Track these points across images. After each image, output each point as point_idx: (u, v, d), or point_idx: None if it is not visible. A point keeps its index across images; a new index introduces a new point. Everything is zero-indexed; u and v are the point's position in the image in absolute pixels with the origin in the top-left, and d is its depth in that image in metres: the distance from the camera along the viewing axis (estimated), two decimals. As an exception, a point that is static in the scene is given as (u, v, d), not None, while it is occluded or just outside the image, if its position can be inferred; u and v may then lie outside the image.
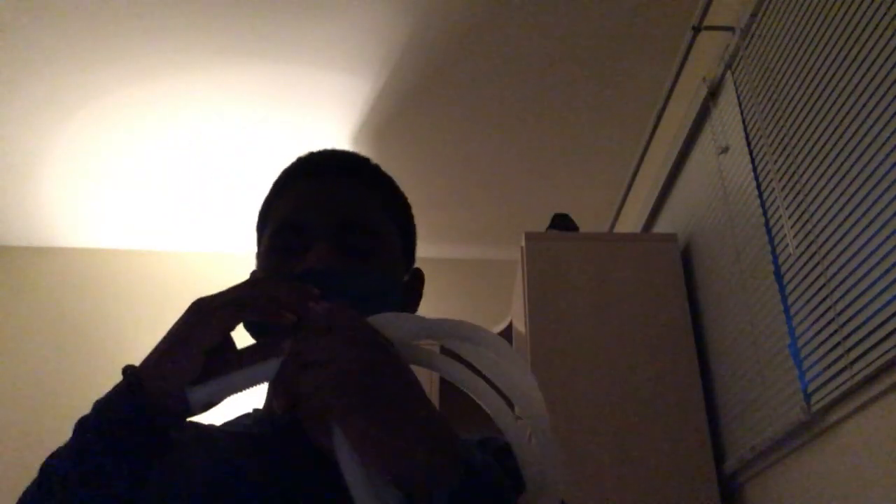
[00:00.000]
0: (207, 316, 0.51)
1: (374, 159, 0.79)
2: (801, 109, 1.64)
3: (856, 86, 1.43)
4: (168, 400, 0.50)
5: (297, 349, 0.49)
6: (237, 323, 0.52)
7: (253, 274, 0.75)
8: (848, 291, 1.43)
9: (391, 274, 0.71)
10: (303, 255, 0.67)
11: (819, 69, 1.57)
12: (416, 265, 0.80)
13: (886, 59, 1.33)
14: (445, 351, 0.58)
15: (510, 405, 0.53)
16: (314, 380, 0.47)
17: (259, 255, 0.74)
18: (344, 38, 2.38)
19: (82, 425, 0.50)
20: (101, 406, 0.51)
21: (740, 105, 1.97)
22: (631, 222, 2.96)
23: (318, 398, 0.46)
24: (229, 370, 0.51)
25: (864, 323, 1.36)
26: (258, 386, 0.51)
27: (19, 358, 3.24)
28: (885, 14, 1.33)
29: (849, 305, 1.42)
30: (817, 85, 1.58)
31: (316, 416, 0.47)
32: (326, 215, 0.68)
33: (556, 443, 0.52)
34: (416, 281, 0.79)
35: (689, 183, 2.39)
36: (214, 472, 0.61)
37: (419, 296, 0.79)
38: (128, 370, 0.52)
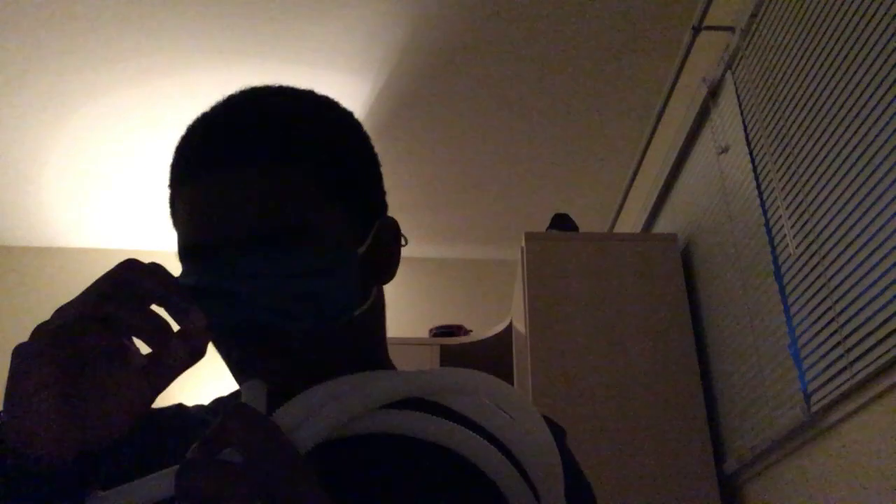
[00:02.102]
0: (34, 358, 0.43)
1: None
2: (801, 109, 1.64)
3: (856, 86, 1.43)
4: (46, 465, 0.43)
5: (186, 484, 0.40)
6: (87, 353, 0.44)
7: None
8: (848, 291, 1.43)
9: (332, 261, 0.56)
10: (210, 272, 0.55)
11: (819, 69, 1.57)
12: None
13: (886, 59, 1.33)
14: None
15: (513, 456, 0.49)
16: None
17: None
18: (343, 38, 2.38)
19: None
20: None
21: (740, 105, 1.97)
22: (631, 222, 2.96)
23: None
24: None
25: (864, 323, 1.36)
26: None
27: (19, 358, 3.23)
28: (884, 14, 1.33)
29: (849, 305, 1.42)
30: (817, 85, 1.58)
31: None
32: (229, 228, 0.54)
33: None
34: (386, 237, 0.63)
35: (689, 183, 2.39)
36: None
37: (393, 252, 0.64)
38: None
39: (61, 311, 0.45)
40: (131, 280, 0.45)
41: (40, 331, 0.44)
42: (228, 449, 0.42)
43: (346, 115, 0.64)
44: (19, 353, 0.43)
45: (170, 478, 0.43)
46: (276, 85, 0.63)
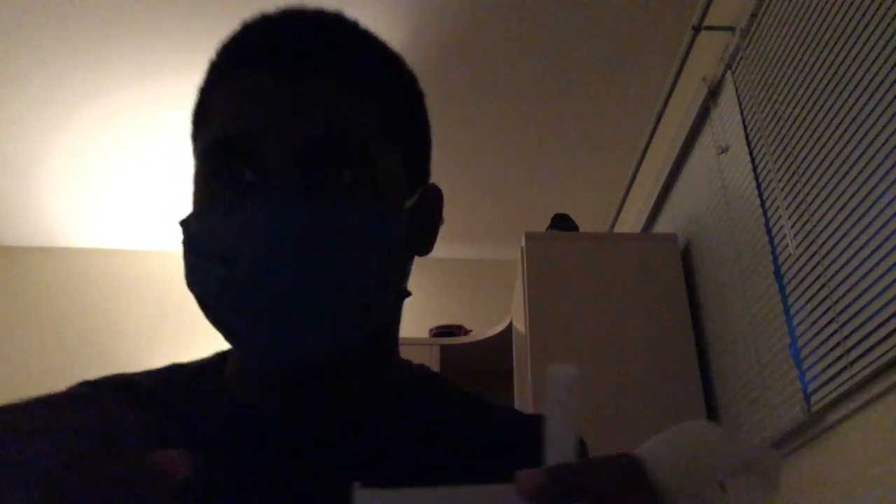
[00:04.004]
0: None
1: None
2: (801, 109, 1.64)
3: (856, 86, 1.43)
4: None
5: None
6: None
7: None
8: (848, 291, 1.43)
9: (386, 212, 0.49)
10: (245, 192, 0.46)
11: (819, 69, 1.57)
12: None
13: (887, 59, 1.33)
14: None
15: None
16: None
17: (194, 182, 0.51)
18: (344, 38, 2.38)
19: None
20: None
21: (740, 105, 1.97)
22: (631, 222, 2.96)
23: None
24: None
25: (864, 323, 1.36)
26: None
27: (19, 358, 3.24)
28: (885, 14, 1.33)
29: (849, 305, 1.42)
30: (817, 85, 1.58)
31: None
32: (287, 133, 0.46)
33: None
34: (430, 203, 0.57)
35: (689, 183, 2.39)
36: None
37: (434, 226, 0.58)
38: None
39: None
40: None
41: None
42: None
43: (415, 77, 0.58)
44: None
45: (489, 497, 0.33)
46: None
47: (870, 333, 1.34)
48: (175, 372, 0.58)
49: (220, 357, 0.59)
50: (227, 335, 0.49)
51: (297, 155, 0.46)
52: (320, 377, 0.52)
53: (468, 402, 0.60)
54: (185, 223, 0.50)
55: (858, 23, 1.42)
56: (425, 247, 0.58)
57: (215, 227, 0.47)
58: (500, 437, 0.56)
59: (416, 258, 0.58)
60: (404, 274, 0.54)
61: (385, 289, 0.50)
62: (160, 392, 0.54)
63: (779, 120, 1.75)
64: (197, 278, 0.49)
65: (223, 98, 0.49)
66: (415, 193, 0.54)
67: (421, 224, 0.56)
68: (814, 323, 1.55)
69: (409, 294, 0.55)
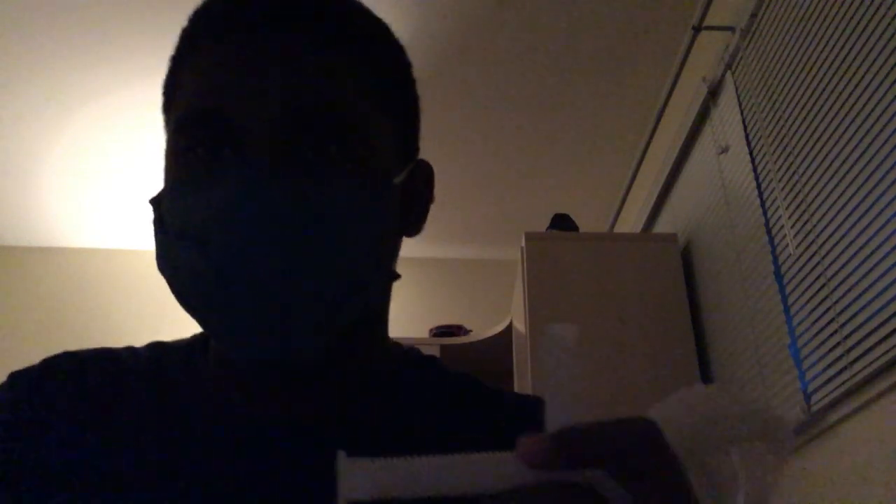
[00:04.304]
0: None
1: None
2: (801, 109, 1.64)
3: (856, 85, 1.43)
4: None
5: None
6: None
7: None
8: (848, 291, 1.43)
9: (376, 188, 0.45)
10: (221, 169, 0.42)
11: (819, 69, 1.57)
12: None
13: (887, 58, 1.33)
14: None
15: None
16: None
17: (165, 158, 0.48)
18: (344, 38, 2.38)
19: None
20: None
21: (740, 105, 1.97)
22: (631, 222, 2.96)
23: None
24: None
25: (864, 323, 1.36)
26: None
27: (19, 358, 3.23)
28: (885, 14, 1.33)
29: (849, 305, 1.42)
30: (817, 85, 1.58)
31: None
32: (264, 104, 0.42)
33: None
34: (420, 180, 0.54)
35: (689, 183, 2.39)
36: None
37: (424, 205, 0.54)
38: None
39: None
40: None
41: None
42: (589, 471, 0.29)
43: (403, 47, 0.54)
44: None
45: (490, 467, 0.29)
46: None
47: (870, 333, 1.34)
48: (158, 349, 0.55)
49: (205, 338, 0.55)
50: (203, 325, 0.46)
51: (277, 127, 0.42)
52: (308, 369, 0.49)
53: (463, 383, 0.57)
54: (155, 201, 0.47)
55: (858, 23, 1.42)
56: (416, 226, 0.54)
57: (188, 206, 0.43)
58: (497, 416, 0.54)
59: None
60: (394, 255, 0.51)
61: (379, 270, 0.46)
62: (144, 370, 0.52)
63: (779, 120, 1.75)
64: (168, 261, 0.45)
65: (195, 68, 0.45)
66: (405, 169, 0.51)
67: (410, 202, 0.52)
68: (814, 323, 1.55)
69: (398, 276, 0.51)
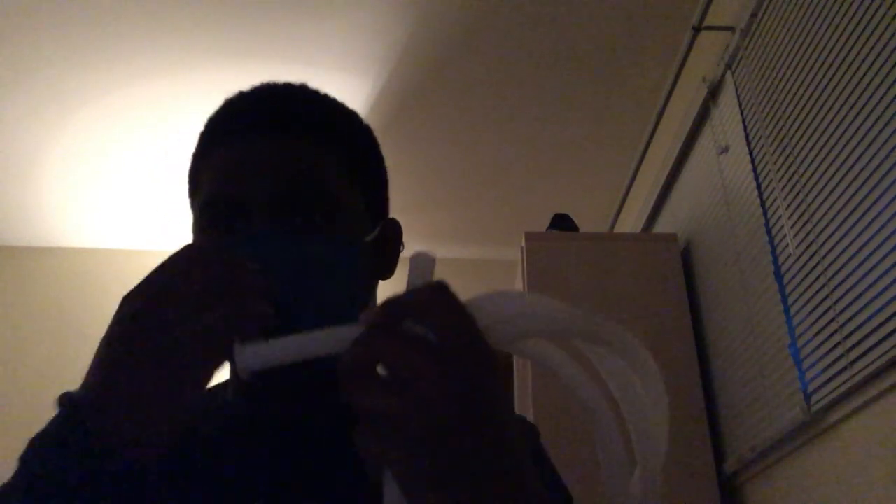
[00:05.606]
0: (190, 339, 0.45)
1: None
2: (801, 109, 1.64)
3: (856, 86, 1.43)
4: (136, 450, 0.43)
5: (369, 346, 0.38)
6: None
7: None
8: (848, 291, 1.43)
9: (351, 246, 0.59)
10: (237, 231, 0.57)
11: (819, 69, 1.57)
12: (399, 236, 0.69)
13: (887, 58, 1.33)
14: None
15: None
16: (395, 423, 0.36)
17: (193, 231, 0.62)
18: (344, 38, 2.38)
19: (27, 465, 0.44)
20: (44, 455, 0.44)
21: (740, 105, 1.97)
22: (631, 222, 2.96)
23: (389, 450, 0.37)
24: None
25: (864, 323, 1.36)
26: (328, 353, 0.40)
27: (19, 358, 3.24)
28: (885, 14, 1.33)
29: (849, 305, 1.42)
30: (817, 85, 1.58)
31: (372, 451, 0.38)
32: (264, 184, 0.56)
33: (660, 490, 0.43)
34: (388, 237, 0.66)
35: (689, 183, 2.39)
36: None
37: (394, 254, 0.67)
38: (71, 412, 0.45)
39: (173, 285, 0.48)
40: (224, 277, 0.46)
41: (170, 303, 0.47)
42: (408, 322, 0.38)
43: (370, 129, 0.68)
44: (163, 320, 0.46)
45: (341, 335, 0.39)
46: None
47: (870, 333, 1.34)
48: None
49: None
50: None
51: (275, 203, 0.56)
52: (308, 383, 0.56)
53: None
54: None
55: (858, 23, 1.42)
56: (389, 271, 0.67)
57: None
58: None
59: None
60: (369, 296, 0.63)
61: (354, 306, 0.56)
62: None
63: (779, 120, 1.75)
64: None
65: (210, 167, 0.59)
66: (375, 228, 0.64)
67: (382, 253, 0.65)
68: (814, 323, 1.55)
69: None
